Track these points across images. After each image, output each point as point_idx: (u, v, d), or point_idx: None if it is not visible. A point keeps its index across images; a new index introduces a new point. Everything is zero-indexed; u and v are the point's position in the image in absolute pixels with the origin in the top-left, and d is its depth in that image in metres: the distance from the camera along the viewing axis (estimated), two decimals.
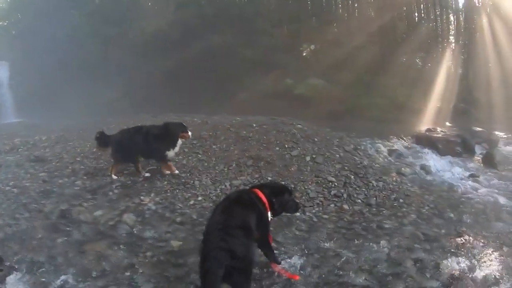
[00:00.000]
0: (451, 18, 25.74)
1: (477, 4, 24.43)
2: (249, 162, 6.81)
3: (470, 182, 8.23)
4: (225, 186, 6.27)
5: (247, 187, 4.62)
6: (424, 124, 16.53)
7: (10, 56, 26.48)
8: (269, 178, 6.35)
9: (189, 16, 20.96)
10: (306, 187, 6.36)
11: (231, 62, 20.52)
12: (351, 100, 19.34)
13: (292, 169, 6.85)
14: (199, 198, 5.86)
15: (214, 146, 7.67)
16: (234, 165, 6.90)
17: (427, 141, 11.48)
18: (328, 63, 21.15)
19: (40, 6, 24.70)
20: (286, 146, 7.50)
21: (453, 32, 25.37)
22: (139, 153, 6.67)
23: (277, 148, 7.48)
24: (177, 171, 6.61)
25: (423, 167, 8.91)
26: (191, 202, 5.75)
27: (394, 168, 8.29)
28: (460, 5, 25.16)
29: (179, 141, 6.46)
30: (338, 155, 7.75)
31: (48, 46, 23.14)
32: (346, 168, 7.21)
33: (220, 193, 5.99)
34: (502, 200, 6.85)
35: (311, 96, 19.41)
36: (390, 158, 9.62)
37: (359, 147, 8.84)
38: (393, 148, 10.73)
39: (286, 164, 6.95)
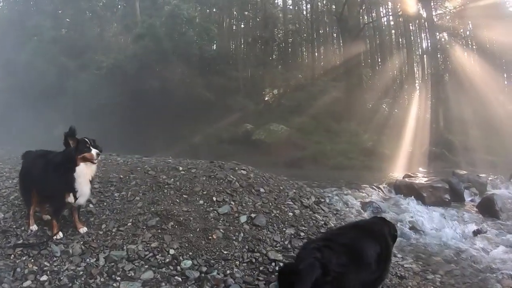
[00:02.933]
0: (415, 63, 26.99)
1: (442, 48, 25.42)
2: (153, 221, 4.93)
3: (478, 242, 6.65)
4: (97, 259, 4.14)
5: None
6: (397, 170, 16.08)
7: None
8: (172, 250, 4.44)
9: (147, 51, 21.33)
10: (228, 270, 4.25)
11: (187, 102, 21.00)
12: (314, 146, 19.33)
13: (214, 236, 4.87)
14: (43, 278, 3.77)
15: (116, 194, 5.87)
16: (129, 224, 4.88)
17: (408, 189, 10.06)
18: (291, 108, 21.61)
19: (4, 27, 25.69)
20: (215, 199, 5.80)
21: (419, 76, 26.46)
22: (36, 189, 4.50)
23: (201, 202, 5.68)
24: (84, 228, 4.50)
25: (412, 226, 7.38)
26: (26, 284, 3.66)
27: None
28: (425, 49, 26.37)
29: (83, 168, 4.12)
30: (291, 213, 5.84)
31: (5, 71, 24.00)
32: (302, 233, 5.25)
33: (82, 271, 3.94)
34: None
35: (270, 142, 19.43)
36: (364, 214, 8.23)
37: (322, 200, 7.12)
38: (367, 200, 9.27)
39: (206, 227, 5.03)
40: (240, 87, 22.11)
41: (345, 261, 2.82)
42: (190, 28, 23.80)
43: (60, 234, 4.41)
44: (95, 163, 4.25)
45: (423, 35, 27.34)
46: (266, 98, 23.72)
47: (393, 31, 28.38)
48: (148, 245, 4.55)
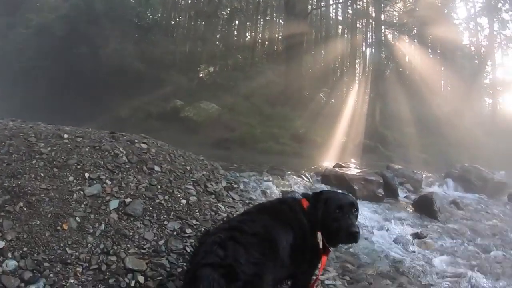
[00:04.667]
0: (358, 56, 27.99)
1: (387, 44, 26.48)
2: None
3: (417, 248, 5.84)
4: None
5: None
6: (328, 160, 15.97)
7: None
8: (2, 243, 3.68)
9: (78, 12, 20.95)
10: (62, 279, 3.41)
11: (118, 72, 20.81)
12: (244, 128, 19.69)
13: (65, 226, 4.08)
14: None
15: None
16: None
17: (338, 180, 9.09)
18: (225, 87, 21.73)
19: None
20: (87, 175, 4.87)
21: (360, 70, 27.48)
22: None
23: (70, 178, 4.75)
24: None
25: None
26: None
27: None
28: (369, 43, 27.39)
29: None
30: (184, 200, 4.89)
31: None
32: (189, 229, 4.39)
33: None
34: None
35: (199, 121, 19.72)
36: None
37: (236, 186, 6.19)
38: (289, 189, 8.22)
39: (60, 213, 4.21)
40: (176, 61, 21.81)
41: (257, 257, 2.19)
42: None
43: None
44: None
45: (369, 29, 28.12)
46: (201, 75, 23.77)
47: (339, 22, 29.04)
48: None
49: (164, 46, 21.93)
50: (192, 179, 5.60)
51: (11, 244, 3.58)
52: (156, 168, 5.44)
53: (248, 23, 26.77)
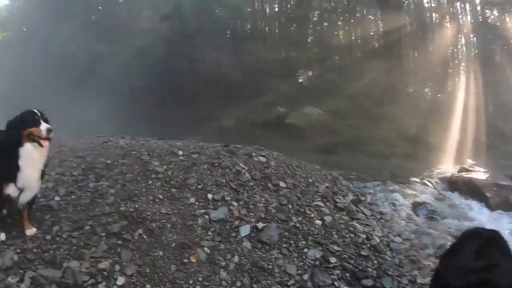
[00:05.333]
0: (460, 44, 25.64)
1: (492, 26, 23.99)
2: (117, 225, 3.67)
3: None
4: (21, 279, 3.01)
5: None
6: (446, 162, 14.57)
7: (3, 66, 28.65)
8: (122, 279, 3.16)
9: (174, 32, 21.87)
10: None
11: (217, 84, 21.07)
12: (351, 132, 18.42)
13: (193, 259, 3.49)
14: None
15: (91, 185, 4.66)
16: (87, 227, 3.69)
17: (468, 187, 8.01)
18: (326, 91, 21.01)
19: (36, 17, 27.23)
20: (210, 197, 4.31)
21: (464, 58, 25.08)
22: None
23: (191, 200, 4.27)
24: (33, 229, 3.53)
25: None
26: None
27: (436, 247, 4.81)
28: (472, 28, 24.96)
29: (30, 149, 3.15)
30: (319, 221, 4.26)
31: (37, 58, 25.20)
32: (333, 258, 3.78)
33: None
34: None
35: (304, 126, 18.89)
36: (419, 221, 6.09)
37: (362, 199, 5.54)
38: (419, 200, 7.28)
39: (186, 242, 3.67)
40: (273, 68, 21.57)
41: None
42: (220, 7, 23.48)
43: (3, 236, 3.39)
44: (44, 146, 3.13)
45: (468, 12, 25.68)
46: (300, 80, 23.12)
47: (435, 9, 26.90)
48: (96, 264, 3.24)
49: (259, 54, 21.77)
50: (319, 193, 5.22)
51: (132, 280, 3.17)
52: (281, 184, 5.09)
53: (339, 23, 25.85)
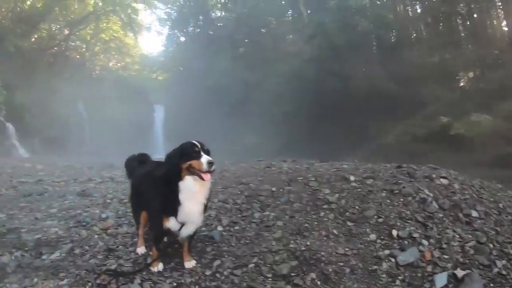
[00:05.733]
0: None
1: None
2: (286, 266, 3.37)
3: None
4: None
5: None
6: None
7: (165, 101, 34.17)
8: None
9: (320, 51, 22.25)
10: None
11: (372, 98, 20.64)
12: None
13: None
14: None
15: (256, 215, 4.47)
16: (251, 265, 3.43)
17: None
18: (492, 92, 18.86)
19: (189, 56, 31.28)
20: (395, 233, 3.85)
21: None
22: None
23: (371, 237, 3.82)
24: (192, 262, 3.43)
25: None
26: None
27: None
28: None
29: (191, 182, 3.02)
30: None
31: (194, 91, 28.90)
32: None
33: None
34: None
35: (472, 137, 17.34)
36: None
37: None
38: None
39: None
40: (429, 74, 20.49)
41: None
42: (362, 18, 23.25)
43: (160, 266, 3.37)
44: (206, 179, 2.97)
45: None
46: (461, 84, 21.47)
47: None
48: None
49: (411, 61, 20.93)
50: None
51: None
52: (473, 213, 4.15)
53: (493, 11, 23.17)
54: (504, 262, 3.42)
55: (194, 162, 2.88)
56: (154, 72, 39.03)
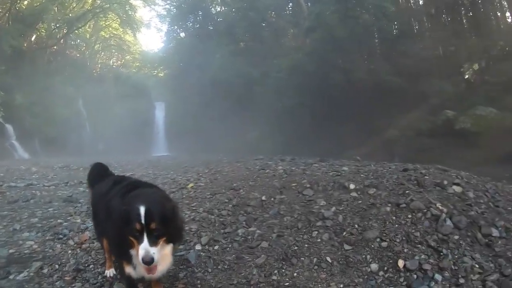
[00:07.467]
0: None
1: None
2: None
3: None
4: None
5: None
6: None
7: (166, 98, 33.95)
8: None
9: (321, 43, 21.66)
10: None
11: (375, 92, 20.07)
12: None
13: None
14: None
15: (240, 231, 3.94)
16: None
17: None
18: (498, 85, 17.97)
19: (189, 52, 30.75)
20: (401, 264, 3.16)
21: None
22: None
23: (372, 267, 3.18)
24: None
25: None
26: None
27: None
28: None
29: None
30: None
31: (195, 88, 28.46)
32: None
33: None
34: None
35: (478, 131, 16.40)
36: None
37: None
38: None
39: None
40: (433, 67, 19.84)
41: None
42: (363, 10, 22.59)
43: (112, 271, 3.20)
44: (149, 274, 2.37)
45: None
46: (466, 76, 20.75)
47: None
48: None
49: (414, 54, 20.16)
50: None
51: None
52: (494, 232, 3.41)
53: (496, 1, 22.47)
54: None
55: (134, 242, 2.27)
56: (155, 69, 38.72)
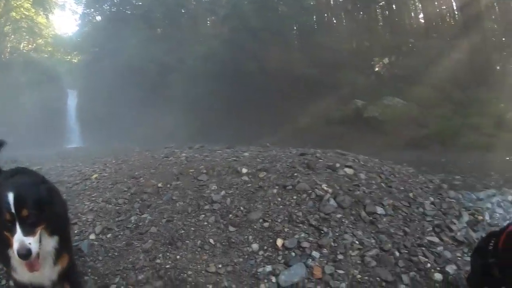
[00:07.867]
0: None
1: None
2: None
3: None
4: None
5: None
6: None
7: (78, 85, 31.22)
8: None
9: (237, 32, 21.67)
10: None
11: (289, 81, 20.24)
12: (438, 122, 16.34)
13: None
14: None
15: (132, 219, 3.83)
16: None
17: None
18: (406, 78, 19.00)
19: (104, 37, 28.73)
20: (280, 243, 3.22)
21: None
22: None
23: (253, 247, 3.22)
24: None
25: None
26: None
27: None
28: None
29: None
30: (439, 274, 2.90)
31: (109, 74, 26.31)
32: None
33: None
34: None
35: (385, 120, 17.16)
36: None
37: (479, 218, 4.03)
38: None
39: None
40: (346, 60, 20.34)
41: None
42: (281, 1, 22.71)
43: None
44: (30, 271, 1.99)
45: None
46: (377, 69, 21.56)
47: None
48: None
49: (329, 47, 20.62)
50: (427, 219, 3.60)
51: None
52: (378, 210, 3.53)
53: (410, 2, 23.84)
54: (412, 274, 2.81)
55: (8, 235, 1.92)
56: (69, 54, 35.87)
